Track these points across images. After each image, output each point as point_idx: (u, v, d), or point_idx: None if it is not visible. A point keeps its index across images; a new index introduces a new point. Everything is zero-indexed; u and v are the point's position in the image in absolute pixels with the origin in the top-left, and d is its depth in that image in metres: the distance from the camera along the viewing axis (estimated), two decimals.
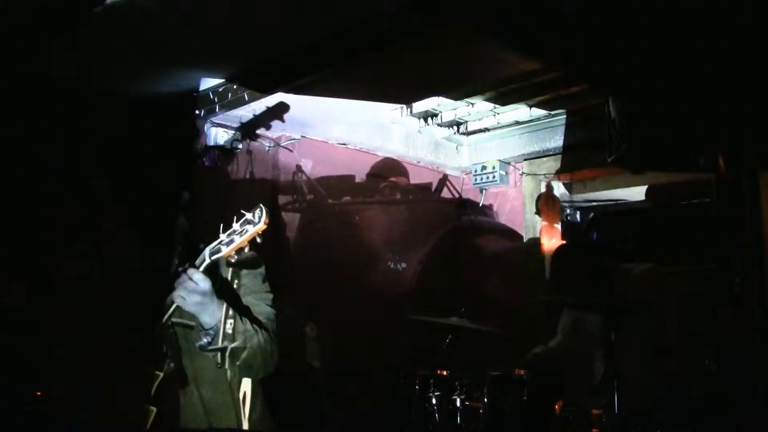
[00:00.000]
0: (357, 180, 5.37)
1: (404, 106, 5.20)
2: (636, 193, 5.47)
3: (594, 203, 5.78)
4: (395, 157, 5.51)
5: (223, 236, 2.03)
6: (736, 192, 3.64)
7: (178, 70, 3.65)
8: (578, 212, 5.86)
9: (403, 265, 5.14)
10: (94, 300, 2.58)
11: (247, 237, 1.98)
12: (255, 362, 2.16)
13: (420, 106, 5.17)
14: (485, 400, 3.57)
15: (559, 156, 5.34)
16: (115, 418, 2.29)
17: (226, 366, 2.11)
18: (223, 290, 2.19)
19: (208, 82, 4.23)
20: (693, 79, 3.21)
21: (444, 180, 5.95)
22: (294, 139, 4.82)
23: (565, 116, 5.20)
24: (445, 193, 5.97)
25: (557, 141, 5.31)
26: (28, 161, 2.98)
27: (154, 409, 2.11)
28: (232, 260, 2.05)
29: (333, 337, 4.29)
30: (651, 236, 4.73)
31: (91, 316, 2.52)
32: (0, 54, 2.92)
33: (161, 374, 2.15)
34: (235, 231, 2.01)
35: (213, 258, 2.04)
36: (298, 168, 4.85)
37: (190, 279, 2.03)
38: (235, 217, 2.01)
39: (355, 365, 4.32)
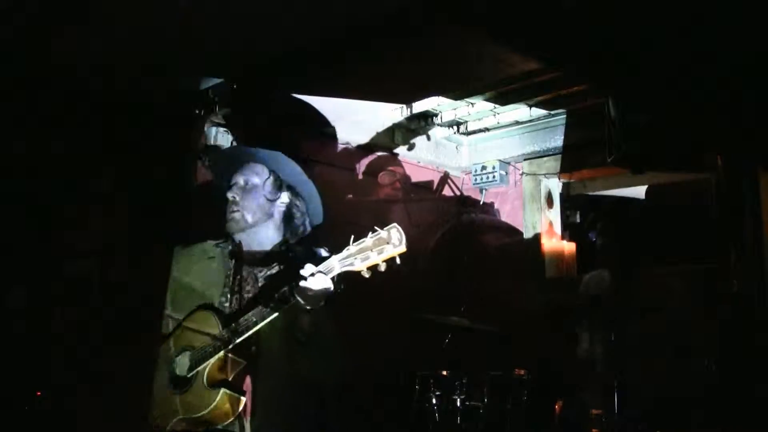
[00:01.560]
0: (357, 179, 5.36)
1: (404, 106, 5.19)
2: (636, 193, 5.47)
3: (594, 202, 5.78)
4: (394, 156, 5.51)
5: (352, 248, 1.99)
6: (736, 192, 3.64)
7: (178, 70, 3.65)
8: (578, 212, 5.86)
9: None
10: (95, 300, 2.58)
11: (385, 256, 1.94)
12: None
13: (420, 106, 5.17)
14: (485, 400, 3.58)
15: (559, 156, 5.33)
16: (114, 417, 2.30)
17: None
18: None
19: (208, 82, 4.21)
20: (693, 79, 3.21)
21: (445, 178, 5.94)
22: None
23: (565, 116, 5.19)
24: (446, 192, 5.96)
25: (557, 141, 5.30)
26: (28, 162, 2.98)
27: (244, 398, 2.12)
28: (366, 275, 2.00)
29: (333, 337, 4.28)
30: (651, 236, 4.73)
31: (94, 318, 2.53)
32: (0, 54, 2.92)
33: (244, 362, 2.15)
34: (367, 247, 1.96)
35: (344, 269, 2.00)
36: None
37: (321, 283, 2.00)
38: (369, 233, 1.97)
39: (355, 365, 4.31)
